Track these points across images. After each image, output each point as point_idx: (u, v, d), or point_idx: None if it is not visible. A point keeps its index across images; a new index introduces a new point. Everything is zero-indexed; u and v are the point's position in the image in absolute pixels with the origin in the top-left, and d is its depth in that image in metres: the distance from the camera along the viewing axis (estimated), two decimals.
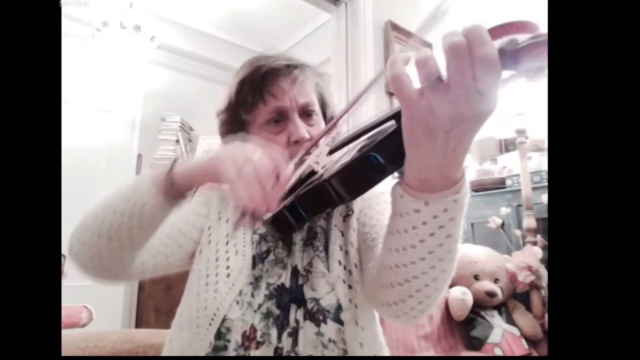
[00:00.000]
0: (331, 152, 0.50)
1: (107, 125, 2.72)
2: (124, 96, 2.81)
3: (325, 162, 0.48)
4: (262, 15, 2.96)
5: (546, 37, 0.32)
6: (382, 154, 0.41)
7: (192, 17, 3.02)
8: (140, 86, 2.89)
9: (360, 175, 0.43)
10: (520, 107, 1.59)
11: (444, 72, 0.33)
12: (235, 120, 0.68)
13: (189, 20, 3.04)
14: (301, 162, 0.50)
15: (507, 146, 2.25)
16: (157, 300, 2.41)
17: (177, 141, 2.80)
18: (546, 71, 0.34)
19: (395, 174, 0.43)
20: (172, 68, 3.07)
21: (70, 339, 0.86)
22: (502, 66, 0.32)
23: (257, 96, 0.64)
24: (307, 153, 0.49)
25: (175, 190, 0.55)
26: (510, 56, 0.33)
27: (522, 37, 0.33)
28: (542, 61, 0.33)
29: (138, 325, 2.46)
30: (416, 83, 0.34)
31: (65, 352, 0.82)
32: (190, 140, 2.93)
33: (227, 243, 0.65)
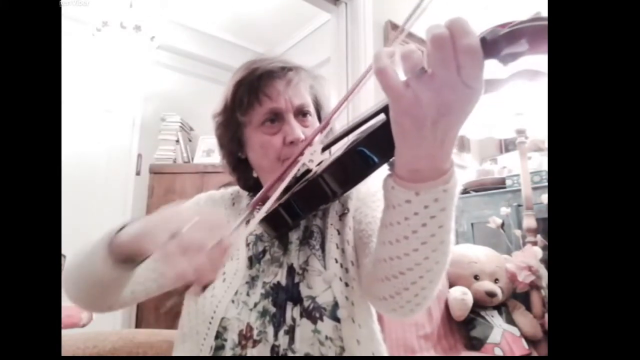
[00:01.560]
0: (324, 149, 0.50)
1: (107, 125, 2.73)
2: (124, 96, 2.81)
3: (319, 159, 0.49)
4: (262, 15, 2.96)
5: (525, 24, 0.33)
6: (371, 147, 0.42)
7: (193, 17, 3.02)
8: (140, 86, 2.89)
9: (351, 168, 0.44)
10: (520, 107, 1.59)
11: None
12: (232, 121, 0.69)
13: (189, 20, 3.04)
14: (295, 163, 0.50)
15: (507, 146, 2.25)
16: (157, 300, 2.39)
17: (177, 141, 2.81)
18: (525, 56, 0.35)
19: (387, 166, 0.43)
20: (172, 68, 3.07)
21: (70, 339, 0.86)
22: (485, 55, 0.33)
23: (252, 97, 0.65)
24: (301, 154, 0.49)
25: (127, 259, 0.53)
26: (491, 44, 0.34)
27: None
28: (521, 47, 0.34)
29: (138, 325, 2.46)
30: (403, 77, 0.35)
31: (65, 352, 0.82)
32: (190, 140, 2.93)
33: None
